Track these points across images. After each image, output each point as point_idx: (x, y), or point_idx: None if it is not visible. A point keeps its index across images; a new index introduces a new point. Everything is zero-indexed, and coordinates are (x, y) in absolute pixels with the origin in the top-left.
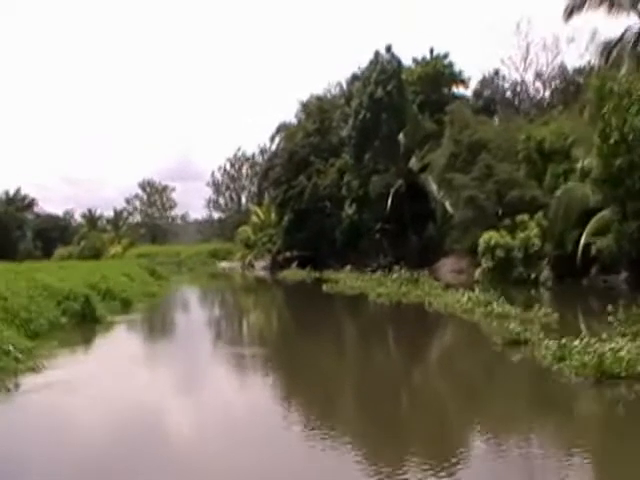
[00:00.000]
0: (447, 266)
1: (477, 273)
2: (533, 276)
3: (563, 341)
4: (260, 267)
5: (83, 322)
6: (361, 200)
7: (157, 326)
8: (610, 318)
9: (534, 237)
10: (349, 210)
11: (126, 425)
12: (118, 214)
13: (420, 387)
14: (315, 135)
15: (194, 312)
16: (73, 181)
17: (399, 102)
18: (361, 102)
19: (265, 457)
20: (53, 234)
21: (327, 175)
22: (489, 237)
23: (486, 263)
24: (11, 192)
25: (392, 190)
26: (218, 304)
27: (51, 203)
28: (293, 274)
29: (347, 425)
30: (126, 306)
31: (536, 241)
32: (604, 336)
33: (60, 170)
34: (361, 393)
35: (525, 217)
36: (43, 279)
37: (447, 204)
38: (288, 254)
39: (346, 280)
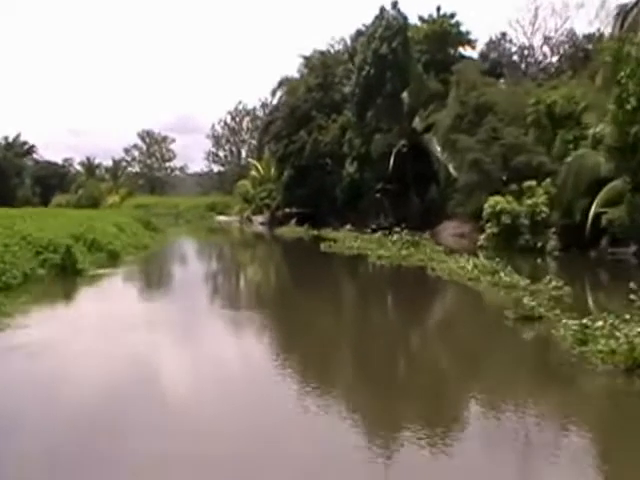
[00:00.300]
0: (449, 230)
1: (481, 239)
2: (539, 244)
3: (584, 321)
4: (258, 222)
5: (63, 274)
6: (363, 159)
7: (141, 281)
8: (633, 297)
9: (541, 204)
10: (350, 168)
11: (88, 399)
12: (117, 164)
13: (425, 367)
14: (317, 90)
15: (185, 267)
16: (75, 131)
17: (404, 60)
18: (365, 58)
19: (257, 417)
20: (52, 181)
21: (328, 131)
22: (495, 202)
23: (491, 229)
24: (11, 138)
25: (394, 150)
26: (211, 260)
27: (53, 152)
28: (291, 231)
29: (343, 388)
30: (113, 258)
31: (544, 208)
32: (627, 317)
33: (63, 120)
34: (359, 359)
35: (533, 183)
36: (23, 227)
37: (450, 166)
38: (287, 210)
39: (345, 239)
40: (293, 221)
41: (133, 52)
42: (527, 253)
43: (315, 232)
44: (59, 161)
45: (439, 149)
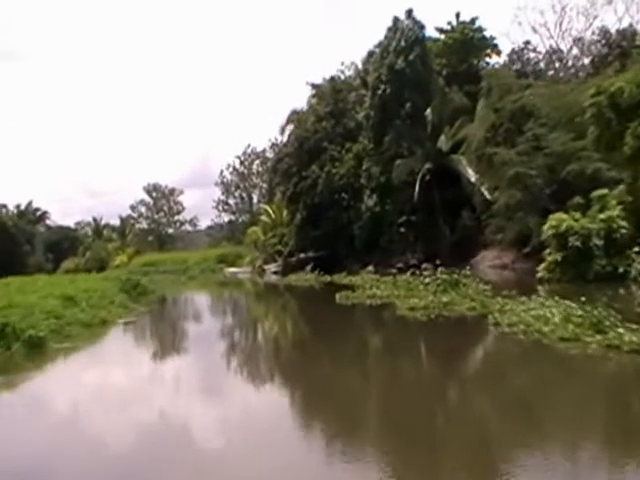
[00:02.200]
0: (487, 261)
1: (540, 269)
2: (620, 270)
3: None
4: (271, 271)
5: None
6: (383, 189)
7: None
8: None
9: (618, 218)
10: (369, 201)
11: None
12: (124, 222)
13: None
14: (328, 119)
15: (136, 357)
16: (91, 192)
17: (423, 73)
18: (379, 76)
19: None
20: (64, 246)
21: (343, 163)
22: (558, 221)
23: (553, 255)
24: (23, 205)
25: (419, 176)
26: (182, 337)
27: (71, 217)
28: (304, 279)
29: None
30: (34, 349)
31: (621, 223)
32: None
33: (78, 182)
34: None
35: (604, 191)
36: None
37: (483, 188)
38: (302, 255)
39: (366, 285)
40: (309, 267)
41: (141, 110)
42: (604, 282)
43: (328, 278)
44: (71, 224)
45: (470, 169)
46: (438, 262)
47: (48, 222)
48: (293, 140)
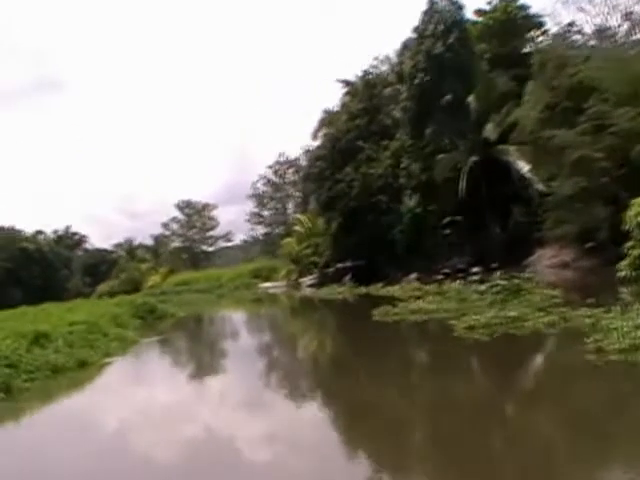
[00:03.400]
0: (545, 260)
1: (622, 266)
2: None
3: None
4: (306, 285)
5: None
6: (424, 188)
7: None
8: None
9: None
10: (410, 202)
11: None
12: (157, 241)
13: None
14: (362, 116)
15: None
16: (131, 214)
17: (464, 57)
18: (416, 63)
19: None
20: (101, 269)
21: (379, 162)
22: None
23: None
24: (61, 230)
25: (463, 171)
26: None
27: (113, 239)
28: (339, 291)
29: None
30: None
31: None
32: None
33: (118, 204)
34: None
35: None
36: None
37: (537, 179)
38: (339, 265)
39: (406, 295)
40: (347, 278)
41: (176, 129)
42: None
43: (364, 290)
44: (108, 247)
45: (521, 160)
46: (494, 265)
47: (86, 246)
48: (325, 141)
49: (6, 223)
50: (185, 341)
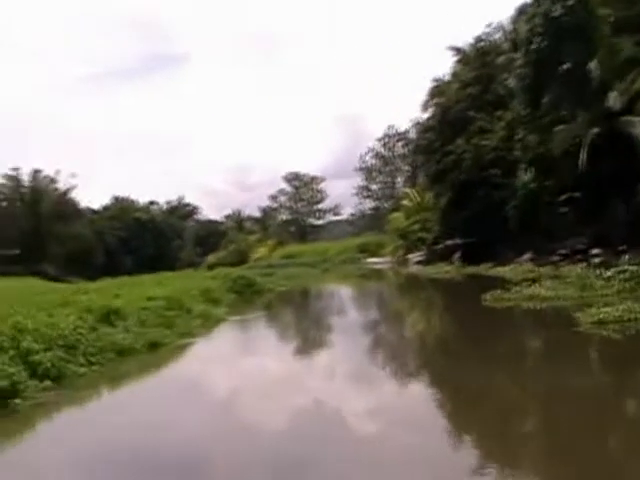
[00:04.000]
0: None
1: None
2: None
3: None
4: (414, 261)
5: None
6: (541, 162)
7: None
8: None
9: None
10: (525, 177)
11: None
12: (265, 213)
13: None
14: (474, 85)
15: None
16: (244, 186)
17: (585, 20)
18: (533, 27)
19: None
20: (212, 240)
21: (492, 134)
22: None
23: None
24: (174, 201)
25: (584, 143)
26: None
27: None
28: (446, 270)
29: None
30: None
31: None
32: None
33: (232, 176)
34: None
35: None
36: None
37: None
38: (448, 242)
39: (518, 277)
40: (456, 255)
41: (289, 100)
42: None
43: (472, 269)
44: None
45: None
46: (621, 248)
47: (198, 217)
48: (435, 112)
49: (121, 194)
50: (278, 320)
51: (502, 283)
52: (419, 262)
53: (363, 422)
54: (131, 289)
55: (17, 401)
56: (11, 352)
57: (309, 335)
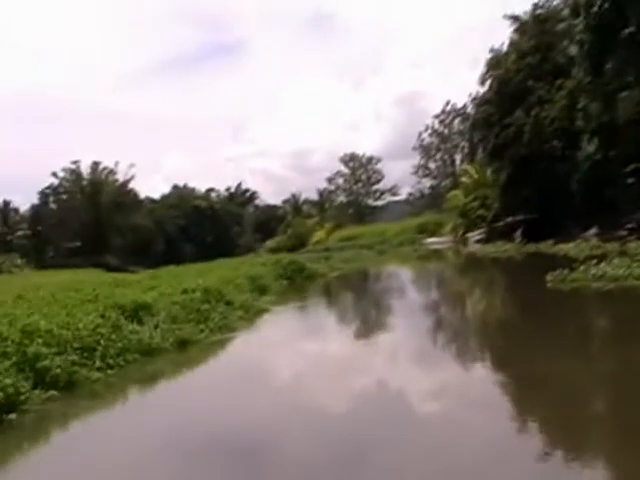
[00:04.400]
0: None
1: None
2: None
3: None
4: (474, 240)
5: None
6: (605, 131)
7: None
8: None
9: None
10: (589, 148)
11: None
12: (322, 196)
13: None
14: (533, 54)
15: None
16: (304, 170)
17: None
18: None
19: None
20: (271, 225)
21: (553, 104)
22: None
23: None
24: (233, 188)
25: None
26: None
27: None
28: (505, 249)
29: None
30: None
31: None
32: None
33: (291, 161)
34: None
35: None
36: None
37: None
38: (509, 219)
39: (582, 254)
40: (518, 233)
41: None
42: None
43: (533, 247)
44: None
45: None
46: None
47: (257, 202)
48: (492, 84)
49: (184, 182)
50: (328, 309)
51: (566, 261)
52: (479, 241)
53: (429, 404)
54: (172, 280)
55: (12, 416)
56: (14, 359)
57: (360, 328)
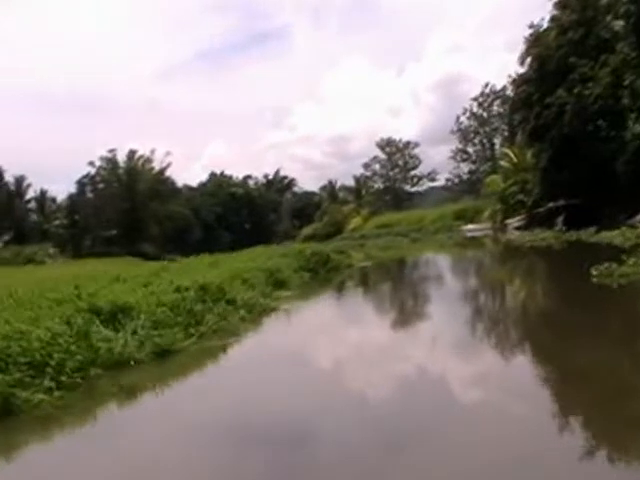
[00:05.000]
0: None
1: None
2: None
3: None
4: (513, 227)
5: None
6: None
7: None
8: None
9: None
10: (636, 127)
11: None
12: (359, 182)
13: None
14: (575, 29)
15: None
16: (343, 156)
17: None
18: None
19: None
20: (308, 212)
21: (597, 81)
22: None
23: None
24: (271, 175)
25: None
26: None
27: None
28: (542, 237)
29: None
30: None
31: None
32: None
33: (330, 147)
34: None
35: None
36: None
37: None
38: (550, 205)
39: (630, 247)
40: (559, 219)
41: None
42: None
43: (574, 236)
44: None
45: None
46: None
47: (295, 189)
48: (532, 62)
49: (224, 170)
50: (347, 308)
51: (611, 252)
52: (518, 228)
53: (471, 394)
54: (180, 273)
55: None
56: None
57: (384, 336)
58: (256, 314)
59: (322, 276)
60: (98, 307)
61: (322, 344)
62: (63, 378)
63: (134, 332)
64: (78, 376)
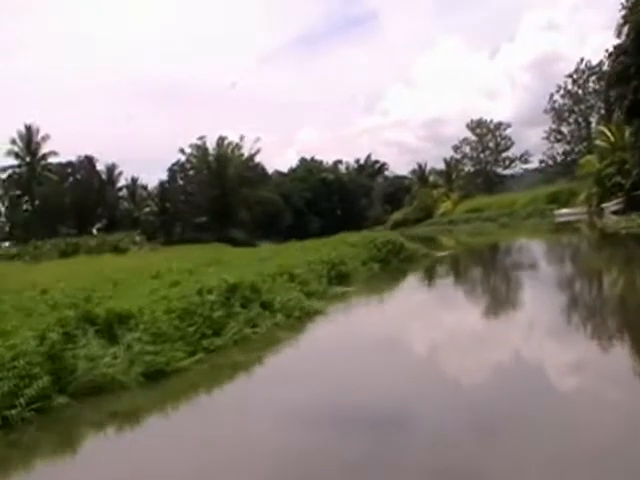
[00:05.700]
0: None
1: None
2: None
3: None
4: (610, 212)
5: None
6: None
7: None
8: None
9: None
10: None
11: None
12: (449, 165)
13: None
14: None
15: None
16: (437, 140)
17: None
18: None
19: None
20: (399, 196)
21: None
22: None
23: None
24: (362, 159)
25: None
26: None
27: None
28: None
29: None
30: None
31: None
32: None
33: (425, 131)
34: None
35: None
36: None
37: None
38: None
39: None
40: None
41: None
42: None
43: None
44: (406, 174)
45: None
46: None
47: (386, 173)
48: (629, 30)
49: (317, 156)
50: (417, 310)
51: None
52: (615, 212)
53: (568, 380)
54: (229, 268)
55: None
56: None
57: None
58: (296, 319)
59: (394, 267)
60: (93, 315)
61: (376, 367)
62: (12, 412)
63: (129, 347)
64: (37, 405)
